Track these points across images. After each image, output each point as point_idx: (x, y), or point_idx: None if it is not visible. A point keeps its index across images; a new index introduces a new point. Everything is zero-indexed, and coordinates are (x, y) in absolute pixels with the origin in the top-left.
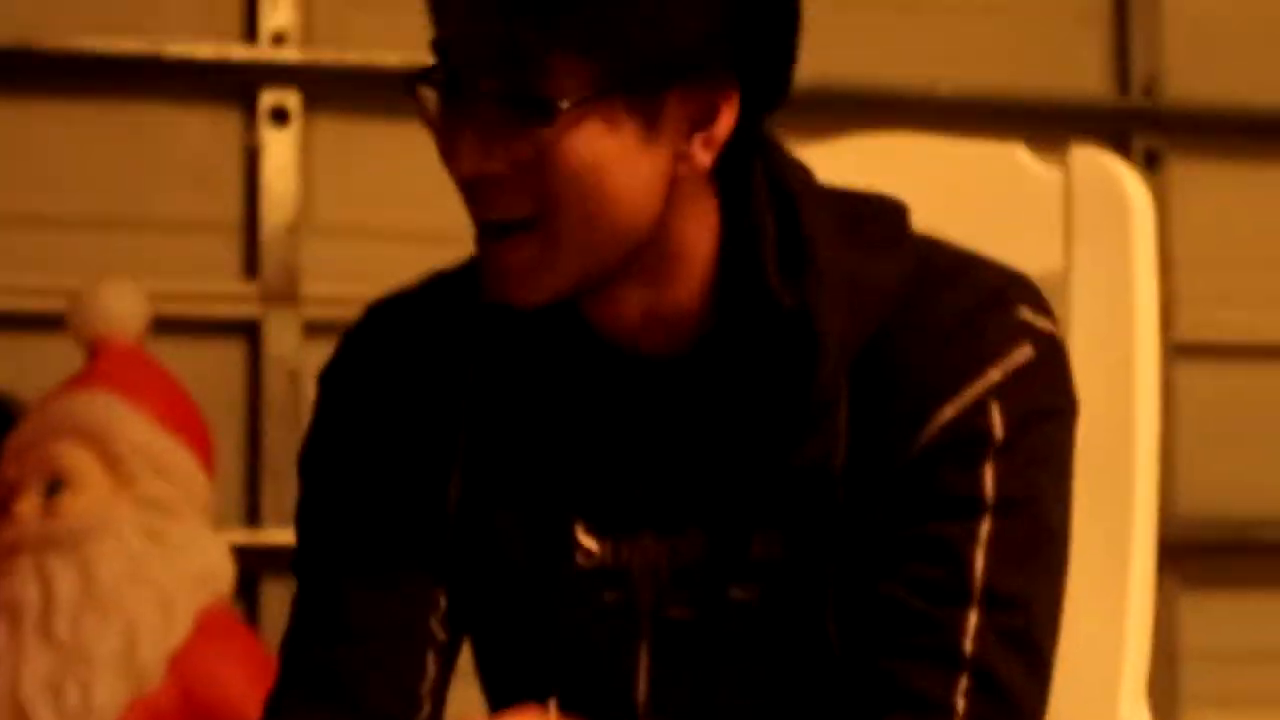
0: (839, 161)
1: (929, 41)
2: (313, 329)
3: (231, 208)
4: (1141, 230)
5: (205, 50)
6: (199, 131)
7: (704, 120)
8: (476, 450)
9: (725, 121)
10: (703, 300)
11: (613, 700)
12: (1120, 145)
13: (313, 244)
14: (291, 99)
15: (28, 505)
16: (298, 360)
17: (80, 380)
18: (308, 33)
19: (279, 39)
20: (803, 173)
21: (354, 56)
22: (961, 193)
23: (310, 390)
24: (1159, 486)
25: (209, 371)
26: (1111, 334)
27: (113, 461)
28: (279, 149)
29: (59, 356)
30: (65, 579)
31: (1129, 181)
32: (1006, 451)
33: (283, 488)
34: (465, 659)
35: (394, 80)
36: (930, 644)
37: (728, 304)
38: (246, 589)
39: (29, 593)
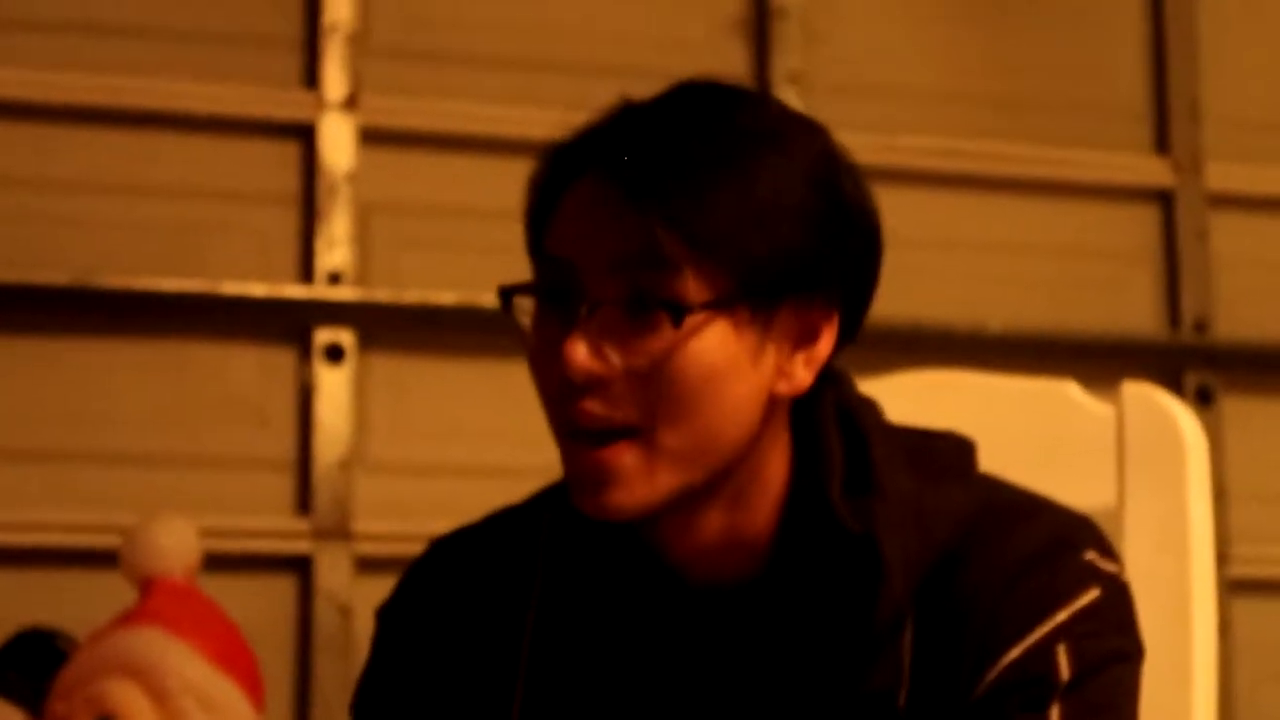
0: (892, 397)
1: (979, 280)
2: (364, 564)
3: (285, 444)
4: (1195, 466)
5: (260, 289)
6: (254, 369)
7: (806, 339)
8: (537, 687)
9: (826, 342)
10: (772, 526)
11: None
12: (1172, 382)
13: (365, 480)
14: (346, 337)
15: None
16: (349, 596)
17: (131, 617)
18: (362, 273)
19: (335, 278)
20: (871, 406)
21: (408, 296)
22: (1014, 429)
23: (361, 626)
24: None
25: (260, 607)
26: (1167, 570)
27: (162, 698)
28: (333, 386)
29: (110, 593)
30: None
31: (1182, 417)
32: (1073, 694)
33: None
34: None
35: (448, 318)
36: None
37: (795, 530)
38: None
39: None
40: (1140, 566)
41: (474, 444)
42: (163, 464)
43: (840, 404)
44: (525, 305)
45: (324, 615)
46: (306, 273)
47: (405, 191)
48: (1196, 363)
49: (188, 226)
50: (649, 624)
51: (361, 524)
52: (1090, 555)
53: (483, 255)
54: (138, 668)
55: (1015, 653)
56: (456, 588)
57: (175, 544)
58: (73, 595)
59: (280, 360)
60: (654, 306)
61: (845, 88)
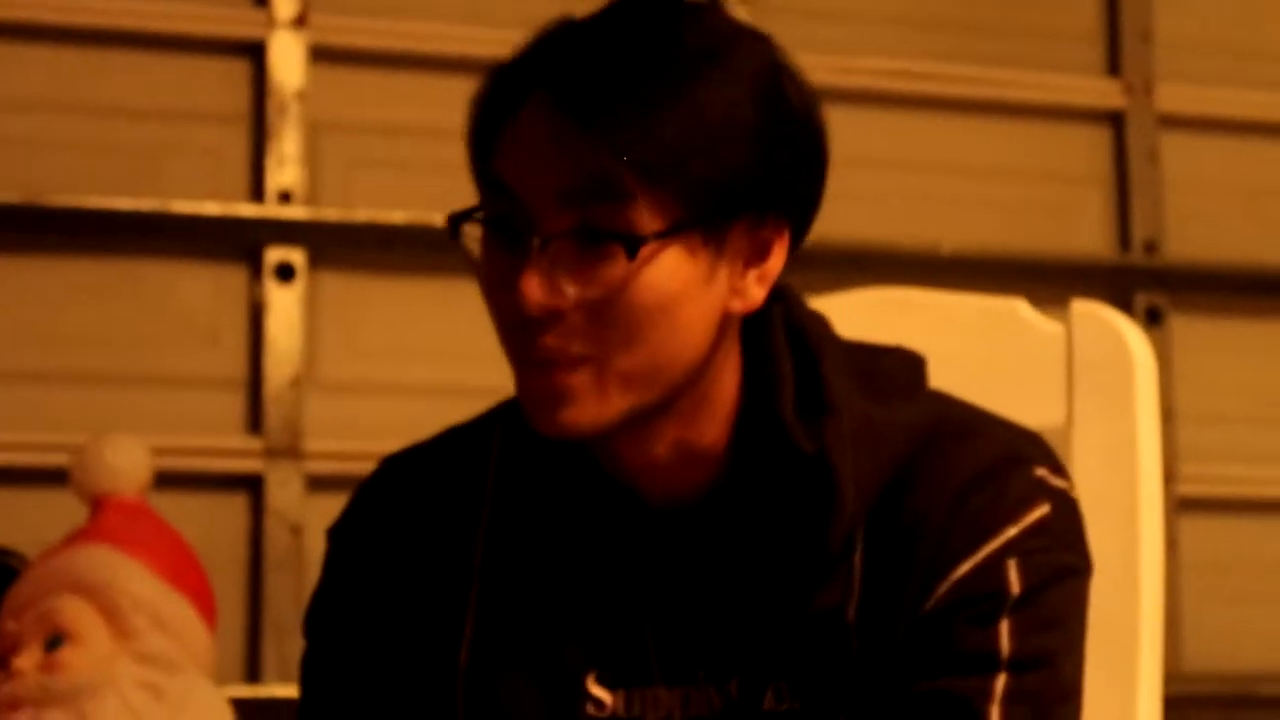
0: (843, 314)
1: (932, 202)
2: (315, 484)
3: (236, 363)
4: (1144, 384)
5: (211, 208)
6: (205, 287)
7: (758, 256)
8: (489, 604)
9: (777, 257)
10: (724, 443)
11: None
12: (1122, 302)
13: (316, 399)
14: (297, 256)
15: (28, 660)
16: (300, 515)
17: (81, 535)
18: (313, 192)
19: (285, 197)
20: (821, 321)
21: (359, 215)
22: (964, 347)
23: (312, 545)
24: (1163, 642)
25: (212, 526)
26: (1115, 488)
27: (113, 616)
28: (284, 305)
29: (61, 511)
30: None
31: (1130, 335)
32: (1023, 609)
33: (284, 642)
34: None
35: (398, 237)
36: None
37: (747, 448)
38: None
39: None
40: (1088, 484)
41: (425, 363)
42: (114, 383)
43: (790, 321)
44: (474, 231)
45: (275, 534)
46: (257, 192)
47: (356, 110)
48: (1147, 283)
49: (138, 145)
50: (601, 541)
51: (312, 443)
52: (1040, 471)
53: (433, 174)
54: (89, 585)
55: (965, 568)
56: (407, 506)
57: (126, 462)
58: (23, 514)
59: (231, 279)
60: (606, 238)
61: (797, 8)
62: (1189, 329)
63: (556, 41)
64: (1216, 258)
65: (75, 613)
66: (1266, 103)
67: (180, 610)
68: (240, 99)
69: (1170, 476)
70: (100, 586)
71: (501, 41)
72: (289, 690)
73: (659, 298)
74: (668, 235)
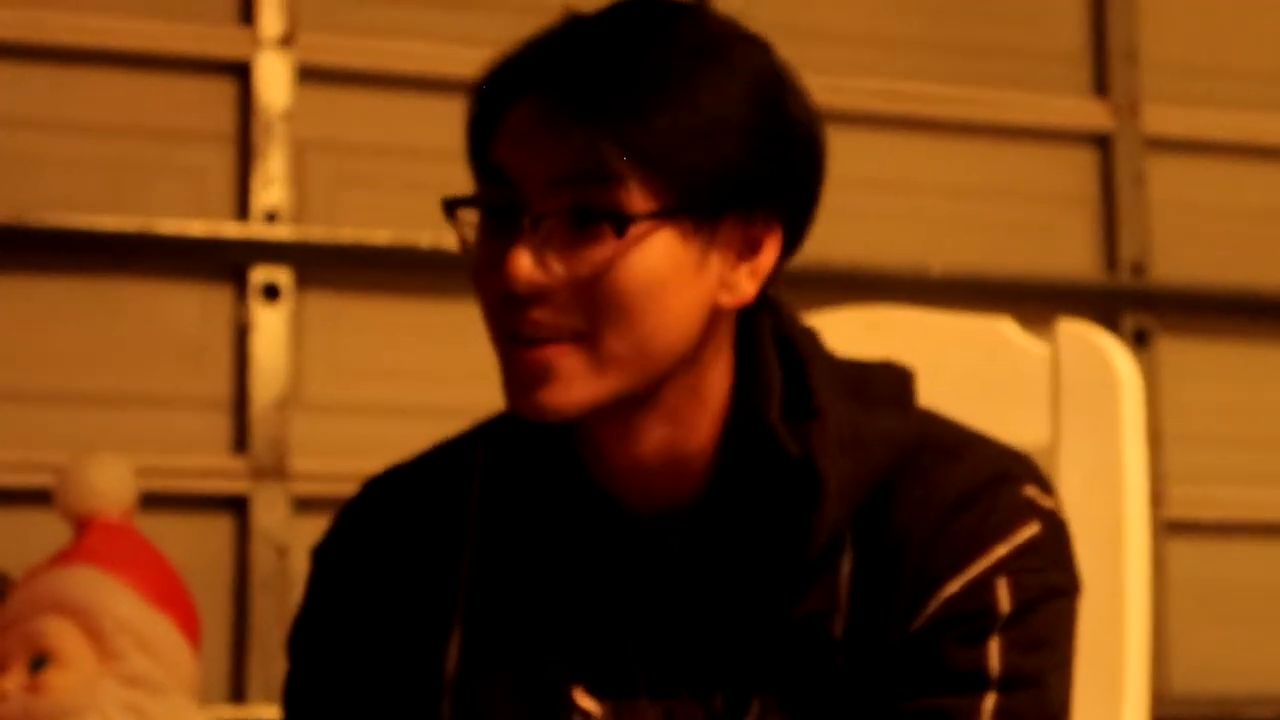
0: (831, 332)
1: (920, 222)
2: (301, 504)
3: (222, 383)
4: (1130, 405)
5: (197, 228)
6: (190, 307)
7: (749, 250)
8: (474, 618)
9: (769, 254)
10: (712, 446)
11: None
12: (1109, 324)
13: (302, 420)
14: (282, 276)
15: (12, 682)
16: (286, 535)
17: (66, 556)
18: (299, 211)
19: (271, 217)
20: (810, 334)
21: (345, 234)
22: (950, 366)
23: (298, 566)
24: (1150, 664)
25: (197, 546)
26: (1101, 509)
27: (98, 638)
28: (270, 325)
29: (45, 532)
30: None
31: (1116, 356)
32: (1012, 628)
33: (269, 663)
34: None
35: (385, 257)
36: None
37: (734, 453)
38: None
39: None
40: (1074, 504)
41: (410, 383)
42: (99, 403)
43: (780, 331)
44: (468, 218)
45: (261, 555)
46: (243, 211)
47: (342, 130)
48: (1133, 305)
49: (123, 164)
50: (586, 553)
51: (298, 463)
52: (1030, 490)
53: (420, 194)
54: (74, 606)
55: (954, 586)
56: (391, 524)
57: (111, 483)
58: (7, 534)
59: (216, 299)
60: (597, 217)
61: (785, 28)
62: (1176, 351)
63: (558, 34)
64: (1204, 279)
65: (59, 634)
66: (1254, 124)
67: (165, 632)
68: (226, 118)
69: (1158, 499)
70: (85, 608)
71: (490, 61)
72: (273, 711)
73: (647, 280)
74: (657, 216)
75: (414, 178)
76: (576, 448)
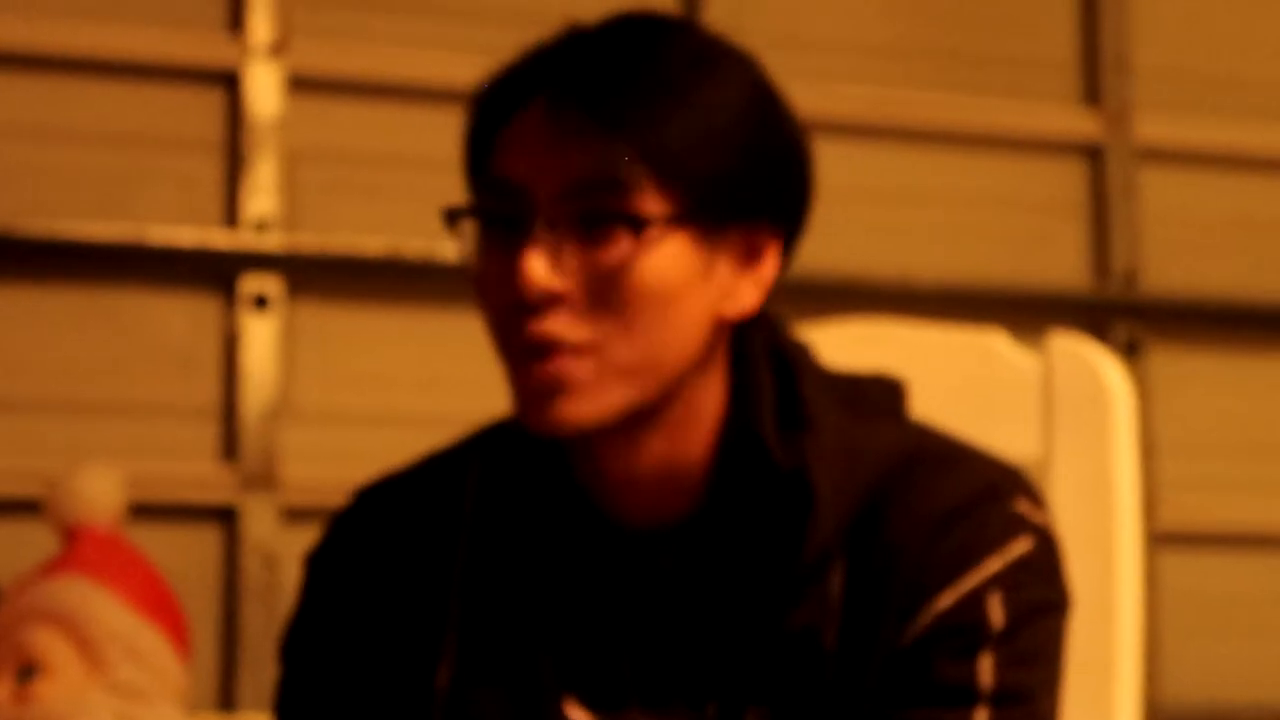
0: (822, 348)
1: (910, 232)
2: (291, 514)
3: (212, 393)
4: (1121, 418)
5: (186, 237)
6: (180, 316)
7: (752, 259)
8: (468, 629)
9: (770, 263)
10: (707, 459)
11: None
12: (1101, 334)
13: (292, 429)
14: (272, 285)
15: (1, 691)
16: (275, 545)
17: (55, 566)
18: (290, 219)
19: (261, 226)
20: (803, 348)
21: (335, 243)
22: (942, 380)
23: (288, 575)
24: (1144, 675)
25: (186, 556)
26: (1092, 522)
27: (87, 647)
28: (259, 334)
29: (35, 541)
30: None
31: (1107, 369)
32: (1004, 644)
33: (258, 673)
34: None
35: (375, 266)
36: None
37: (729, 467)
38: None
39: None
40: (1066, 518)
41: (400, 393)
42: (88, 412)
43: (774, 344)
44: (468, 228)
45: (250, 565)
46: (233, 220)
47: (334, 138)
48: (1125, 315)
49: (113, 173)
50: (578, 564)
51: (288, 473)
52: (1022, 505)
53: (410, 203)
54: (63, 616)
55: (946, 600)
56: (386, 534)
57: (100, 493)
58: None
59: (206, 308)
60: (610, 221)
61: (776, 38)
62: (1168, 361)
63: (561, 45)
64: (1196, 289)
65: (48, 644)
66: (1246, 134)
67: (154, 642)
68: (216, 126)
69: (1151, 509)
70: (73, 618)
71: (482, 69)
72: None
73: (660, 285)
74: (670, 222)
75: (404, 187)
76: (570, 460)
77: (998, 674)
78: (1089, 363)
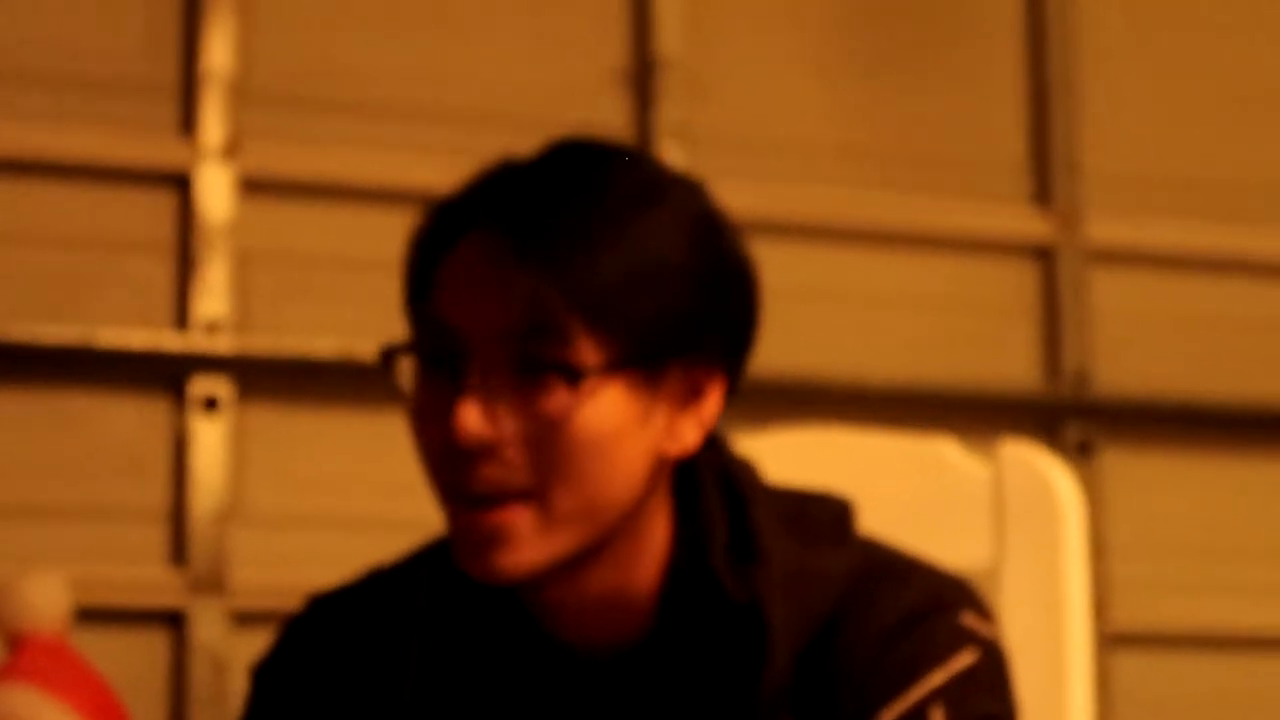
0: (770, 456)
1: (860, 334)
2: (240, 618)
3: (161, 495)
4: (1071, 526)
5: (137, 338)
6: (129, 418)
7: (693, 398)
8: None
9: (713, 401)
10: (655, 586)
11: None
12: (1052, 435)
13: (241, 532)
14: (222, 387)
15: None
16: (224, 650)
17: (2, 675)
18: (241, 321)
19: (212, 328)
20: (749, 469)
21: (286, 345)
22: (892, 488)
23: (237, 681)
24: None
25: (134, 661)
26: (1043, 630)
27: None
28: (209, 437)
29: None
30: None
31: (1057, 477)
32: None
33: None
34: None
35: (327, 369)
36: None
37: (677, 595)
38: None
39: None
40: (1017, 626)
41: (352, 496)
42: (34, 514)
43: (720, 467)
44: (405, 365)
45: (199, 670)
46: (183, 322)
47: (285, 240)
48: (1077, 416)
49: (64, 275)
50: (529, 691)
51: (237, 576)
52: (967, 618)
53: (363, 306)
54: None
55: (890, 715)
56: (333, 650)
57: (45, 601)
58: None
59: (156, 409)
60: (548, 369)
61: (728, 140)
62: (1120, 461)
63: (497, 180)
64: (1147, 390)
65: None
66: (1196, 234)
67: None
68: (166, 228)
69: (1102, 611)
70: None
71: (436, 171)
72: None
73: (598, 433)
74: (607, 370)
75: (356, 289)
76: (516, 588)
77: None
78: (1039, 471)
